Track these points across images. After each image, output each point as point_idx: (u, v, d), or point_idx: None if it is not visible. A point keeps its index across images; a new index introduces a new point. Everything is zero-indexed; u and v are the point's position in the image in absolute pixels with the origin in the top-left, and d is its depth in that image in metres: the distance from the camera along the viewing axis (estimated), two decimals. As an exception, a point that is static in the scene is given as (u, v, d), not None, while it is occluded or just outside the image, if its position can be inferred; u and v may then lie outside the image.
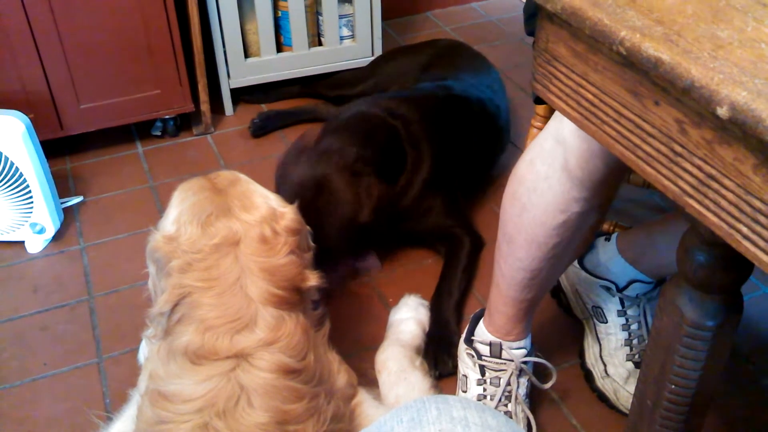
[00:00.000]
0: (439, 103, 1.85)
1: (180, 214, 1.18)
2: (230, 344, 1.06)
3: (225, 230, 1.14)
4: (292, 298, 1.13)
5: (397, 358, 1.44)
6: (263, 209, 1.18)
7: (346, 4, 2.32)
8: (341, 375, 1.19)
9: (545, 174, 1.11)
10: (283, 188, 1.64)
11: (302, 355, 1.10)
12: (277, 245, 1.15)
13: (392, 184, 1.68)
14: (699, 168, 0.60)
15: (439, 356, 1.49)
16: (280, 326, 1.09)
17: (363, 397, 1.23)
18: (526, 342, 1.36)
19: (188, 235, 1.15)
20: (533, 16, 1.19)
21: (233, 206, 1.18)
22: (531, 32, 1.19)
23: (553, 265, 1.20)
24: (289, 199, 1.59)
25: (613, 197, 1.14)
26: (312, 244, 1.28)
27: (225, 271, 1.11)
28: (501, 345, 1.34)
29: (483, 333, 1.37)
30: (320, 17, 2.30)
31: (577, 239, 1.17)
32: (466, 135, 1.85)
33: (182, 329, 1.09)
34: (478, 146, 1.90)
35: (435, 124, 1.78)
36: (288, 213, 1.20)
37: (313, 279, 1.17)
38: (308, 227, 1.27)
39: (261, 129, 2.22)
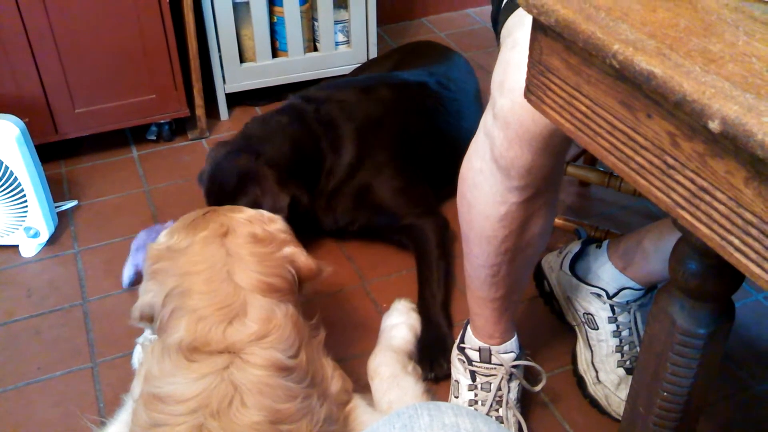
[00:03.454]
0: (373, 88, 1.89)
1: (172, 229, 1.24)
2: (222, 336, 1.08)
3: (214, 224, 1.19)
4: (282, 286, 1.15)
5: (389, 363, 1.44)
6: (252, 213, 1.24)
7: (342, 9, 2.33)
8: (335, 380, 1.20)
9: (480, 168, 1.13)
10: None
11: (294, 351, 1.11)
12: (266, 241, 1.19)
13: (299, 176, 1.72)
14: (691, 180, 0.61)
15: (434, 359, 1.50)
16: (271, 317, 1.10)
17: (357, 402, 1.24)
18: (513, 345, 1.37)
19: (178, 238, 1.20)
20: (496, 22, 1.21)
21: (222, 210, 1.24)
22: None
23: (510, 260, 1.21)
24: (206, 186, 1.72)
25: (553, 185, 1.15)
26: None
27: (211, 256, 1.15)
28: (490, 350, 1.35)
29: (471, 339, 1.38)
30: (316, 23, 2.31)
31: (530, 232, 1.18)
32: (405, 118, 1.85)
33: (175, 324, 1.11)
34: (420, 128, 1.88)
35: (369, 111, 1.81)
36: (279, 220, 1.24)
37: (303, 259, 1.22)
38: None
39: None
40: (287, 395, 1.07)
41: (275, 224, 1.22)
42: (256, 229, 1.19)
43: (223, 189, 1.67)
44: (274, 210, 1.59)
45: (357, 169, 1.75)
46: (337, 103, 1.80)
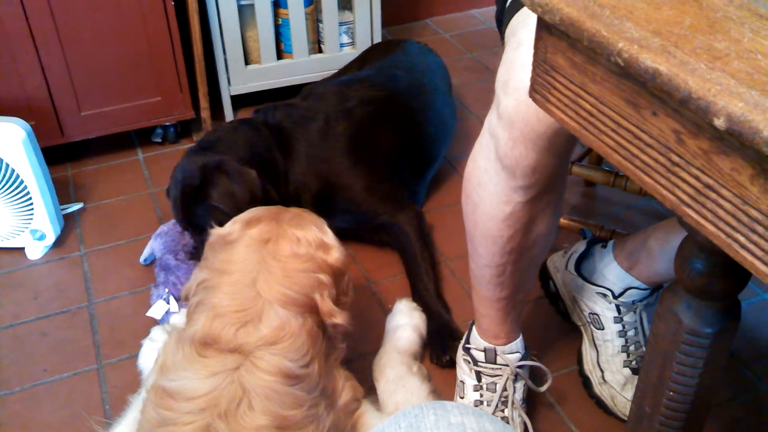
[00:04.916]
0: (312, 93, 1.90)
1: (236, 218, 1.25)
2: (233, 336, 1.09)
3: (264, 227, 1.20)
4: (303, 302, 1.14)
5: (395, 365, 1.45)
6: (311, 234, 1.22)
7: (347, 11, 2.33)
8: (346, 391, 1.20)
9: (485, 168, 1.13)
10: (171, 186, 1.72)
11: (305, 361, 1.11)
12: (301, 260, 1.18)
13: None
14: (696, 178, 0.60)
15: (445, 343, 1.53)
16: (284, 326, 1.11)
17: (366, 408, 1.24)
18: (518, 346, 1.36)
19: (234, 228, 1.22)
20: (500, 22, 1.21)
21: (284, 219, 1.23)
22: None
23: (515, 260, 1.21)
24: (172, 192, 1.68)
25: (558, 184, 1.15)
26: (351, 293, 1.30)
27: (244, 260, 1.16)
28: (495, 350, 1.35)
29: (477, 339, 1.38)
30: (320, 24, 2.31)
31: (535, 231, 1.18)
32: (350, 115, 1.84)
33: (197, 317, 1.13)
34: (370, 121, 1.86)
35: (312, 114, 1.80)
36: (335, 251, 1.23)
37: (325, 304, 1.17)
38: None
39: None
40: (294, 402, 1.07)
41: (324, 252, 1.21)
42: (299, 248, 1.18)
43: (191, 186, 1.65)
44: (247, 186, 1.61)
45: (312, 176, 1.75)
46: (283, 109, 1.81)
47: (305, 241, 1.20)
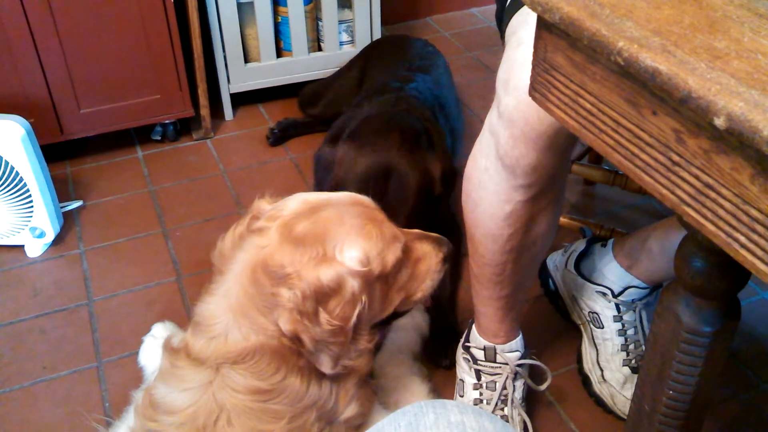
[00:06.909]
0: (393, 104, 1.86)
1: (280, 203, 1.16)
2: (201, 348, 1.07)
3: (266, 235, 1.10)
4: (264, 323, 1.07)
5: (395, 364, 1.45)
6: (312, 250, 1.07)
7: (346, 9, 2.33)
8: (351, 407, 1.14)
9: (485, 166, 1.13)
10: (326, 179, 1.65)
11: (277, 378, 1.06)
12: (269, 277, 1.07)
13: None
14: (696, 177, 0.60)
15: (448, 347, 1.53)
16: (246, 344, 1.06)
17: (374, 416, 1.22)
18: (518, 344, 1.37)
19: (262, 211, 1.16)
20: (500, 21, 1.21)
21: (295, 227, 1.10)
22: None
23: (515, 259, 1.21)
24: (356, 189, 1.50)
25: (558, 183, 1.15)
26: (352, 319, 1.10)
27: (235, 268, 1.10)
28: (495, 349, 1.35)
29: (476, 338, 1.38)
30: (320, 22, 2.31)
31: (535, 230, 1.18)
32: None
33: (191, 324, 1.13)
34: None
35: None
36: (330, 269, 1.06)
37: (283, 323, 1.04)
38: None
39: (280, 139, 2.22)
40: (272, 417, 1.06)
41: (314, 269, 1.05)
42: (285, 267, 1.05)
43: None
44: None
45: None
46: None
47: (297, 257, 1.06)
